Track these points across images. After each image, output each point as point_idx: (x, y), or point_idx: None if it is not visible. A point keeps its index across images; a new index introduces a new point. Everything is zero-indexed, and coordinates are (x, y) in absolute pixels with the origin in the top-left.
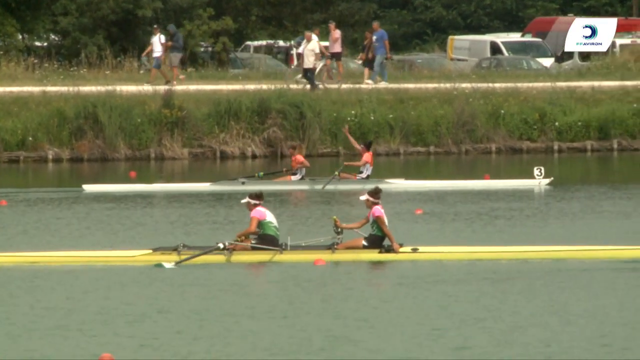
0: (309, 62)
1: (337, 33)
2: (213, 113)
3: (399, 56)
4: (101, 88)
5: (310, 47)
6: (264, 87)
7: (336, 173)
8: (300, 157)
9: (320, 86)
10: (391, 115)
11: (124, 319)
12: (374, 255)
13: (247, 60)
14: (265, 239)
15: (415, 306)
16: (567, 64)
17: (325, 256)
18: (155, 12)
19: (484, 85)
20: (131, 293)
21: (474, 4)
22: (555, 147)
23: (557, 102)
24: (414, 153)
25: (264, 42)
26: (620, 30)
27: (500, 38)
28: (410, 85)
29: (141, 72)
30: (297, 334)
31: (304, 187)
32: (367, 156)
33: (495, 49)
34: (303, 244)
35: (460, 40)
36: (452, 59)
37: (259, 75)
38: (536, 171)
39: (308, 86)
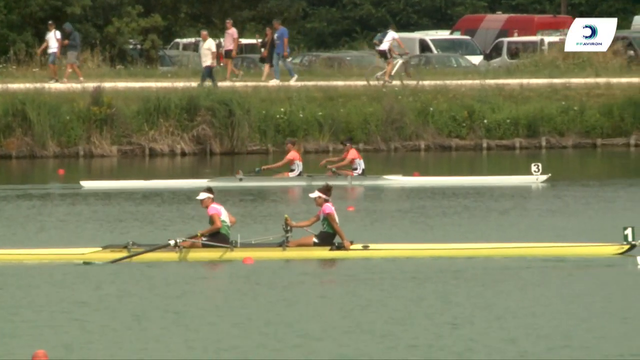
0: (206, 60)
1: (233, 31)
2: (142, 110)
3: (328, 54)
4: (30, 85)
5: (206, 46)
6: (193, 84)
7: (330, 168)
8: (295, 154)
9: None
10: (320, 113)
11: (62, 316)
12: (324, 252)
13: (175, 57)
14: (217, 237)
15: (354, 303)
16: (495, 62)
17: (276, 254)
18: (84, 9)
19: (413, 82)
20: (71, 290)
21: (402, 1)
22: (484, 145)
23: (485, 99)
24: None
25: (192, 40)
26: (549, 27)
27: (429, 36)
28: (340, 83)
29: (35, 70)
30: (240, 332)
31: (302, 183)
32: (352, 153)
33: (424, 46)
34: (253, 242)
35: None
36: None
37: (188, 73)
38: (533, 168)
39: (210, 84)
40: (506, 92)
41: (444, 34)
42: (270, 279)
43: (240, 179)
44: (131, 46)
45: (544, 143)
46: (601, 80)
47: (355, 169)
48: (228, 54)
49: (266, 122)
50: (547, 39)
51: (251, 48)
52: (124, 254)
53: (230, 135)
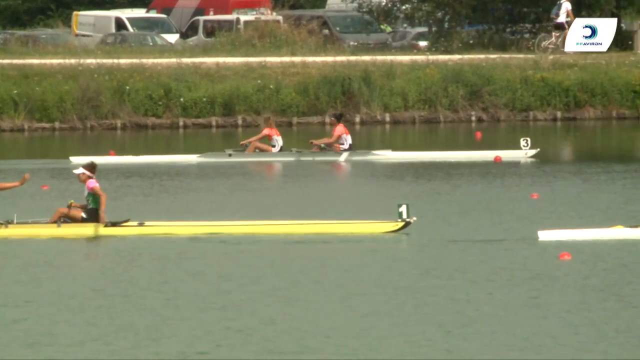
0: None
1: None
2: None
3: (22, 32)
4: None
5: None
6: None
7: (317, 144)
8: (270, 130)
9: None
10: (15, 91)
11: None
12: (100, 229)
13: None
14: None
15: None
16: (192, 40)
17: (49, 231)
18: None
19: (109, 61)
20: None
21: None
22: (181, 123)
23: (182, 78)
24: (39, 129)
25: None
26: (244, 6)
27: (125, 14)
28: (35, 61)
29: None
30: None
31: (291, 158)
32: (339, 129)
33: (120, 24)
34: (30, 221)
35: (85, 16)
36: (77, 35)
37: None
38: (522, 142)
39: None
40: (202, 70)
41: (140, 12)
42: (41, 257)
43: (230, 155)
44: None
45: (240, 122)
46: (297, 59)
47: (342, 144)
48: None
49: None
50: (243, 17)
51: None
52: None
53: None
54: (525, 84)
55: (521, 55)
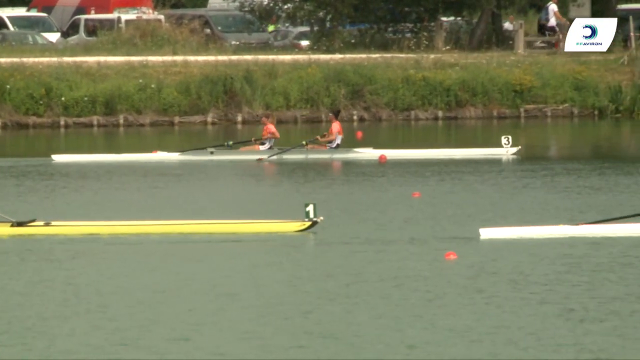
0: None
1: None
2: None
3: None
4: None
5: None
6: None
7: (303, 142)
8: (271, 127)
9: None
10: None
11: None
12: (6, 229)
13: None
14: None
15: None
16: (73, 39)
17: None
18: None
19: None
20: None
21: None
22: (62, 122)
23: (63, 77)
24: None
25: None
26: (125, 5)
27: (6, 13)
28: None
29: None
30: None
31: (274, 157)
32: (335, 126)
33: (0, 23)
34: None
35: None
36: None
37: None
38: (504, 140)
39: None
40: (84, 69)
41: (20, 11)
42: None
43: (212, 152)
44: None
45: (122, 121)
46: (179, 58)
47: (331, 142)
48: None
49: None
50: (124, 16)
51: None
52: None
53: None
54: (406, 83)
55: (403, 55)
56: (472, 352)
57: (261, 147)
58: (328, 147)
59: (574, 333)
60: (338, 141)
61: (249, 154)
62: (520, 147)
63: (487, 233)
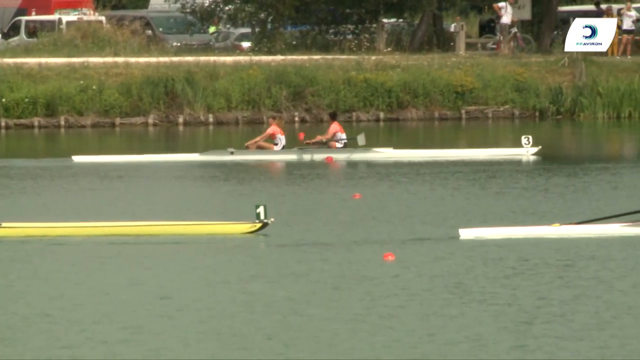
0: None
1: None
2: None
3: None
4: None
5: None
6: None
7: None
8: (271, 129)
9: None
10: None
11: None
12: None
13: None
14: None
15: None
16: (13, 41)
17: None
18: None
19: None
20: None
21: None
22: (2, 124)
23: (4, 78)
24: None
25: None
26: (66, 7)
27: None
28: None
29: None
30: None
31: (294, 156)
32: (334, 127)
33: None
34: None
35: None
36: None
37: None
38: (524, 140)
39: None
40: (25, 71)
41: None
42: None
43: (232, 152)
44: None
45: (63, 122)
46: (120, 59)
47: (337, 141)
48: None
49: None
50: (65, 18)
51: None
52: None
53: None
54: (348, 84)
55: (344, 57)
56: (409, 353)
57: (275, 148)
58: (337, 146)
59: (516, 334)
60: (344, 139)
61: (267, 155)
62: (540, 147)
63: (466, 233)
